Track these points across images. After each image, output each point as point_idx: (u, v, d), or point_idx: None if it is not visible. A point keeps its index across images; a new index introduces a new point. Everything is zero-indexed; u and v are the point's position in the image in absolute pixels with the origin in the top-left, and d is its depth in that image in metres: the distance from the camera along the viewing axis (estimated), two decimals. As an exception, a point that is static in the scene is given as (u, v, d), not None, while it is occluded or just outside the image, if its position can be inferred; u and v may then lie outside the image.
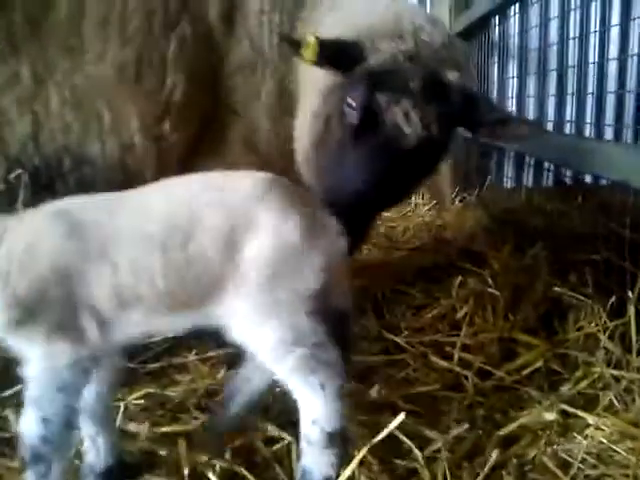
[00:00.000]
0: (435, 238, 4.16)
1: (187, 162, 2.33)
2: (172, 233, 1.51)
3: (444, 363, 2.42)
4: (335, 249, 1.61)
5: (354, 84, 2.05)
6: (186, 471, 1.75)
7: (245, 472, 1.78)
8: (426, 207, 4.99)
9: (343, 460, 1.62)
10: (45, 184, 2.18)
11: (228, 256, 1.51)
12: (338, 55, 2.07)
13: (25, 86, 2.12)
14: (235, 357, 2.42)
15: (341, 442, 1.61)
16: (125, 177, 2.25)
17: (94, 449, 1.76)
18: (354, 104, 2.02)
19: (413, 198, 5.10)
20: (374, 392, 1.98)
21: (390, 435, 1.89)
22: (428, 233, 4.31)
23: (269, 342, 1.56)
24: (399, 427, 1.91)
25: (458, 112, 2.07)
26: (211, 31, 2.29)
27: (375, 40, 2.08)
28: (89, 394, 1.68)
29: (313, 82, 2.23)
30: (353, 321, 1.89)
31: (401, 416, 1.71)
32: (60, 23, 2.15)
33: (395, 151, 2.02)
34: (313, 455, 1.61)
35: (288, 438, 1.89)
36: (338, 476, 1.61)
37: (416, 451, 1.86)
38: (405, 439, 1.90)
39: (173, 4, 2.25)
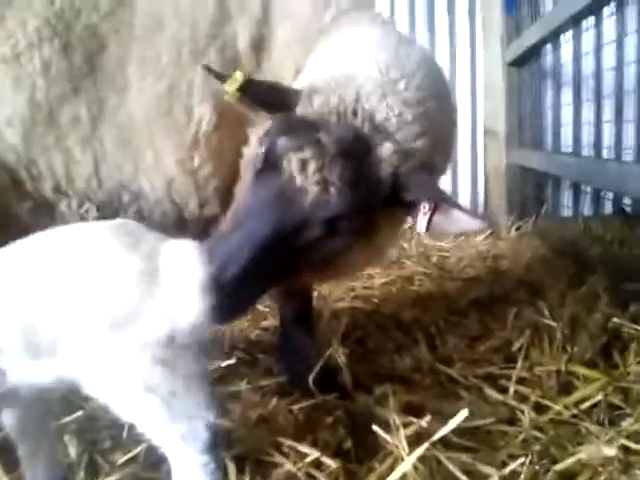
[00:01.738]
0: (490, 268, 4.11)
1: (228, 199, 2.30)
2: (18, 281, 1.54)
3: (499, 396, 2.38)
4: (175, 296, 1.49)
5: (269, 128, 1.94)
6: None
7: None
8: (481, 236, 4.95)
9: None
10: (111, 216, 2.26)
11: (66, 301, 1.50)
12: (264, 97, 1.98)
13: (84, 126, 2.21)
14: (286, 386, 2.48)
15: None
16: (175, 209, 2.33)
17: (31, 470, 1.81)
18: (260, 147, 1.92)
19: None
20: (424, 424, 1.96)
21: (445, 470, 1.91)
22: (483, 263, 4.27)
23: (115, 391, 1.51)
24: (454, 462, 1.93)
25: (377, 190, 1.84)
26: (239, 60, 2.27)
27: (315, 92, 1.94)
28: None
29: None
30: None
31: (464, 412, 1.71)
32: (111, 63, 2.23)
33: (290, 210, 1.80)
34: None
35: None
36: None
37: (471, 487, 1.84)
38: (460, 474, 1.88)
39: (202, 33, 2.26)
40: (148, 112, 2.23)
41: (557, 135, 5.24)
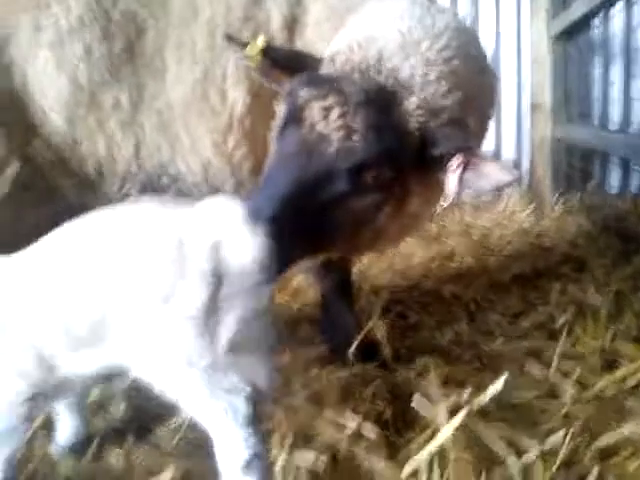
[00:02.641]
0: (533, 244, 4.06)
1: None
2: (58, 277, 1.61)
3: (541, 372, 2.36)
4: (205, 268, 1.52)
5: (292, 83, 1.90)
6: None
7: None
8: (524, 213, 4.87)
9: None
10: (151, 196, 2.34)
11: (104, 289, 1.57)
12: (285, 61, 1.96)
13: (125, 111, 2.26)
14: (328, 356, 2.50)
15: (261, 469, 1.56)
16: (212, 190, 2.37)
17: (63, 424, 1.98)
18: (283, 103, 1.90)
19: (510, 203, 4.99)
20: (465, 397, 1.97)
21: (484, 443, 1.92)
22: (526, 239, 4.20)
23: (159, 368, 1.56)
24: (493, 435, 1.93)
25: (404, 143, 1.80)
26: (273, 42, 2.24)
27: (337, 53, 1.92)
28: None
29: None
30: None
31: (503, 378, 1.75)
32: (149, 48, 2.27)
33: (315, 159, 1.76)
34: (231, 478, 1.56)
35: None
36: None
37: (511, 460, 1.84)
38: (500, 447, 1.89)
39: (235, 16, 2.29)
40: (184, 97, 2.27)
41: (605, 110, 5.09)
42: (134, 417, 2.22)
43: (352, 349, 2.39)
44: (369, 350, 2.45)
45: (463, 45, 2.01)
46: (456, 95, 1.89)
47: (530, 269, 3.46)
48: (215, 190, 2.37)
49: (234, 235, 1.55)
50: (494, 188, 1.84)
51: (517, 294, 3.15)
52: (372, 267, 3.61)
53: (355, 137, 1.75)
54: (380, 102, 1.80)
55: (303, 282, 3.32)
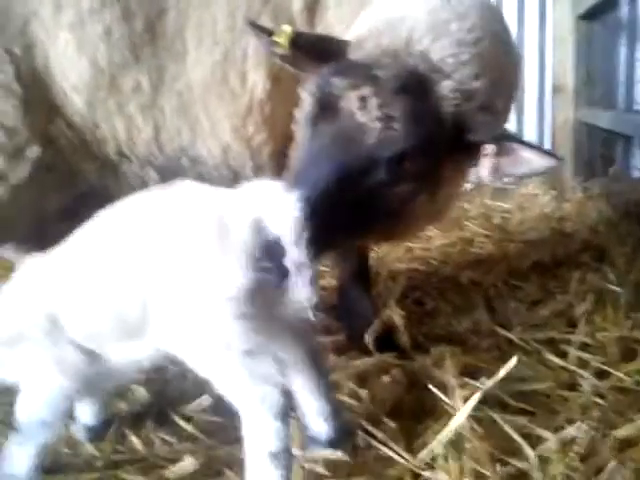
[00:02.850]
0: (554, 230, 4.02)
1: (283, 164, 2.34)
2: (102, 266, 1.66)
3: (559, 361, 2.36)
4: (248, 249, 1.54)
5: (321, 72, 1.88)
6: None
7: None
8: (545, 197, 4.81)
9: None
10: (170, 179, 2.34)
11: (143, 276, 1.60)
12: (313, 48, 1.92)
13: (145, 94, 2.25)
14: (345, 344, 2.51)
15: (287, 461, 1.56)
16: (232, 174, 2.37)
17: (81, 406, 2.02)
18: (311, 91, 1.87)
19: (530, 187, 4.94)
20: (482, 385, 1.97)
21: (501, 432, 1.92)
22: (547, 224, 4.16)
23: (196, 350, 1.58)
24: (511, 424, 1.94)
25: (440, 129, 1.78)
26: (293, 23, 2.24)
27: (365, 37, 1.89)
28: None
29: None
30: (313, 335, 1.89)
31: (513, 360, 1.78)
32: (170, 30, 2.24)
33: (354, 150, 1.73)
34: (254, 473, 1.57)
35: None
36: None
37: (528, 450, 1.85)
38: (517, 437, 1.90)
39: None
40: (204, 79, 2.25)
41: (630, 93, 4.99)
42: (153, 402, 2.25)
43: (369, 336, 2.40)
44: (386, 337, 2.46)
45: (490, 25, 1.98)
46: (486, 77, 1.86)
47: (550, 256, 3.43)
48: (235, 173, 2.37)
49: (276, 216, 1.56)
50: (532, 173, 1.81)
51: (536, 282, 3.13)
52: (390, 252, 3.61)
53: (395, 126, 1.72)
54: (415, 87, 1.77)
55: (320, 268, 3.33)
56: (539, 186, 4.94)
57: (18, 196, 2.17)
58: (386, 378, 2.26)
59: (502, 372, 1.93)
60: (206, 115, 2.29)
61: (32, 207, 2.24)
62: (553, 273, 3.20)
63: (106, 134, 2.28)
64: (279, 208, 1.56)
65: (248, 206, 1.60)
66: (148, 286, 1.60)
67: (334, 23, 2.26)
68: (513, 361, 1.90)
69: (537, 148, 1.83)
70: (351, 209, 1.76)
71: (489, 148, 1.79)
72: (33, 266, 1.79)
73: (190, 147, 2.33)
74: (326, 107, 1.81)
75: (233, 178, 2.37)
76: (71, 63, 2.18)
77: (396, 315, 2.56)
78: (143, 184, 2.32)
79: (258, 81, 2.25)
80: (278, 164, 2.34)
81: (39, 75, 2.18)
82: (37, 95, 2.18)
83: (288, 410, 1.58)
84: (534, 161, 1.76)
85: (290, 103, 2.16)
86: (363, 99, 1.74)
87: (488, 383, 1.94)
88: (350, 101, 1.76)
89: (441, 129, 1.80)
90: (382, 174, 1.75)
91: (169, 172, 2.34)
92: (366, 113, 1.73)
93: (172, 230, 1.60)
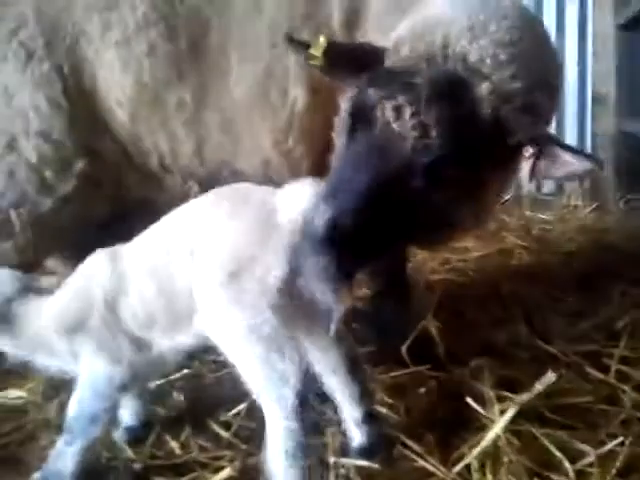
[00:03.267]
0: (595, 243, 3.94)
1: (322, 173, 2.37)
2: (154, 258, 1.78)
3: (600, 375, 2.31)
4: (289, 242, 1.63)
5: (364, 86, 1.86)
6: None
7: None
8: (587, 209, 4.73)
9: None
10: (212, 191, 2.39)
11: (192, 265, 1.70)
12: (348, 58, 1.91)
13: (188, 110, 2.30)
14: (378, 356, 2.51)
15: (302, 459, 1.60)
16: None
17: (125, 407, 2.09)
18: (347, 102, 1.88)
19: (572, 199, 4.86)
20: (520, 400, 1.95)
21: (539, 446, 1.90)
22: (588, 237, 4.09)
23: (233, 334, 1.65)
24: (549, 438, 1.91)
25: (481, 132, 1.74)
26: (333, 37, 2.23)
27: (401, 42, 1.88)
28: None
29: None
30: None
31: (550, 376, 1.78)
32: (213, 47, 2.29)
33: (391, 159, 1.72)
34: (274, 464, 1.62)
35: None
36: None
37: (566, 464, 1.82)
38: (555, 451, 1.87)
39: (298, 13, 2.28)
40: (247, 95, 2.29)
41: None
42: (191, 408, 2.29)
43: (405, 347, 2.39)
44: (422, 349, 2.44)
45: (529, 26, 1.94)
46: (526, 78, 1.82)
47: (591, 268, 3.37)
48: (274, 186, 2.40)
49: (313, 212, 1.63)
50: (572, 177, 1.79)
51: (577, 294, 3.08)
52: (427, 263, 3.59)
53: (431, 133, 1.70)
54: (452, 91, 1.75)
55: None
56: (580, 198, 4.86)
57: (65, 207, 2.24)
58: (422, 390, 2.25)
59: (539, 387, 1.90)
60: (248, 130, 2.33)
61: (78, 218, 2.31)
62: (594, 285, 3.14)
63: (149, 147, 2.34)
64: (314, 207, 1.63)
65: (291, 204, 1.69)
66: (195, 277, 1.70)
67: (376, 34, 2.25)
68: (550, 376, 1.87)
69: (577, 151, 1.79)
70: (391, 218, 1.75)
71: (530, 150, 1.77)
72: (97, 258, 1.89)
73: (231, 161, 2.37)
74: (362, 118, 1.81)
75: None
76: (116, 79, 2.25)
77: (432, 326, 2.55)
78: (185, 197, 2.36)
79: (298, 95, 2.28)
80: (317, 175, 2.36)
81: (85, 91, 2.25)
82: (83, 110, 2.26)
83: (305, 409, 1.62)
84: (574, 164, 1.73)
85: (329, 114, 2.19)
86: (398, 108, 1.73)
87: (524, 397, 1.92)
88: (385, 111, 1.75)
89: (480, 133, 1.76)
90: (420, 183, 1.74)
91: (211, 185, 2.38)
92: (402, 122, 1.72)
93: (220, 224, 1.70)
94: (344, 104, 2.01)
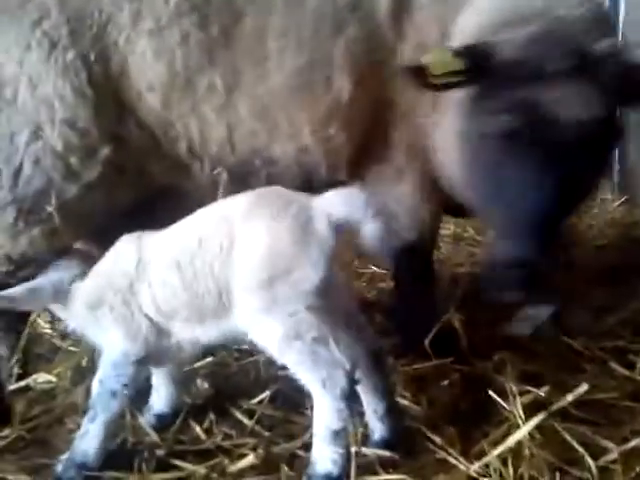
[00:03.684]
0: (624, 236, 3.88)
1: (357, 164, 2.41)
2: (183, 253, 1.83)
3: (625, 371, 2.29)
4: (326, 249, 1.72)
5: (491, 89, 1.94)
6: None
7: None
8: (616, 203, 4.65)
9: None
10: (241, 180, 2.36)
11: (227, 265, 1.76)
12: (470, 62, 1.94)
13: (219, 95, 2.29)
14: (400, 348, 2.51)
15: (345, 441, 1.68)
16: (303, 174, 2.41)
17: (158, 394, 2.18)
18: (499, 109, 1.92)
19: (600, 191, 4.78)
20: (542, 393, 1.94)
21: (562, 441, 1.89)
22: (616, 230, 4.02)
23: (272, 336, 1.72)
24: (572, 433, 1.90)
25: (616, 85, 1.84)
26: (379, 29, 2.29)
27: (498, 31, 1.94)
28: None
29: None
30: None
31: (584, 386, 1.77)
32: (248, 34, 2.28)
33: (560, 145, 1.83)
34: (318, 449, 1.71)
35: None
36: (340, 476, 1.68)
37: (589, 460, 1.81)
38: (578, 446, 1.86)
39: (343, 4, 2.28)
40: (287, 84, 2.29)
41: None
42: (215, 396, 2.32)
43: (428, 340, 2.39)
44: (445, 342, 2.44)
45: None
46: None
47: (618, 262, 3.32)
48: (307, 173, 2.41)
49: (358, 221, 1.74)
50: None
51: (604, 288, 3.04)
52: (452, 256, 3.58)
53: (590, 107, 1.81)
54: (583, 62, 1.84)
55: (378, 268, 3.35)
56: (609, 190, 4.78)
57: (90, 194, 2.26)
58: (445, 382, 2.26)
59: (570, 397, 1.90)
60: (286, 118, 2.33)
61: (103, 205, 2.33)
62: (622, 280, 3.10)
63: (179, 133, 2.34)
64: (359, 216, 1.74)
65: (328, 211, 1.75)
66: (232, 278, 1.76)
67: (429, 24, 2.28)
68: (584, 387, 1.86)
69: None
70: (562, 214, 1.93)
71: None
72: (125, 245, 1.98)
73: (264, 148, 2.37)
74: (522, 120, 1.86)
75: (305, 178, 2.41)
76: (148, 66, 2.25)
77: (456, 320, 2.54)
78: (213, 184, 2.38)
79: (343, 85, 2.29)
80: (353, 164, 2.41)
81: (112, 77, 2.25)
82: (108, 97, 2.26)
83: (352, 394, 1.71)
84: None
85: (369, 105, 2.27)
86: (556, 99, 1.81)
87: (555, 405, 1.90)
88: (547, 104, 1.83)
89: (612, 93, 1.86)
90: (581, 159, 1.85)
91: (240, 172, 2.39)
92: (566, 108, 1.81)
93: (260, 228, 1.75)
94: (453, 109, 2.09)
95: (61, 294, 1.99)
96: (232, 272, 1.76)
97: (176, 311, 1.87)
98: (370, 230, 1.73)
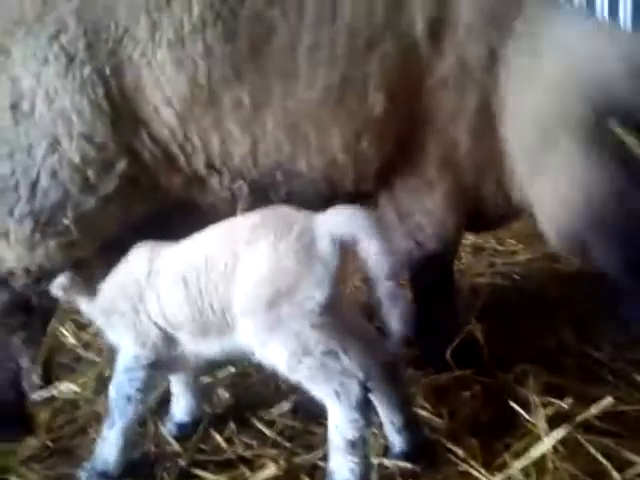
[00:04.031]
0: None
1: (386, 176, 2.42)
2: (190, 270, 1.85)
3: (651, 384, 2.27)
4: (330, 268, 1.72)
5: None
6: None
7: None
8: None
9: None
10: (261, 194, 2.38)
11: (232, 284, 1.78)
12: None
13: (245, 110, 2.28)
14: (420, 359, 2.50)
15: (363, 450, 1.67)
16: (329, 188, 2.41)
17: (178, 403, 2.20)
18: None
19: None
20: (565, 405, 1.92)
21: (586, 454, 1.86)
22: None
23: (280, 356, 1.73)
24: (596, 446, 1.88)
25: None
26: (415, 46, 2.30)
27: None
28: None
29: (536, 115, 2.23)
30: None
31: (608, 399, 1.77)
32: (279, 50, 2.27)
33: None
34: (335, 459, 1.69)
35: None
36: None
37: (614, 473, 1.79)
38: (602, 459, 1.84)
39: (378, 21, 2.29)
40: (318, 99, 2.28)
41: None
42: (236, 406, 2.33)
43: (449, 351, 2.38)
44: (466, 353, 2.43)
45: None
46: None
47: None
48: (332, 186, 2.41)
49: (365, 240, 1.72)
50: None
51: (627, 299, 3.00)
52: (472, 266, 3.56)
53: None
54: None
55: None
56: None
57: (106, 207, 2.28)
58: (466, 394, 2.24)
59: (594, 409, 1.89)
60: (316, 132, 2.33)
61: (119, 218, 2.35)
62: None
63: (197, 147, 2.34)
64: (374, 241, 1.72)
65: (333, 230, 1.76)
66: (236, 299, 1.77)
67: (467, 43, 2.30)
68: (608, 399, 1.86)
69: None
70: None
71: None
72: (139, 254, 2.02)
73: (288, 162, 2.37)
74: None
75: (329, 192, 2.41)
76: (167, 79, 2.24)
77: (477, 330, 2.53)
78: (232, 197, 2.38)
79: (378, 101, 2.29)
80: (381, 177, 2.43)
81: (127, 91, 2.25)
82: (124, 111, 2.27)
83: (368, 404, 1.71)
84: None
85: (405, 121, 2.30)
86: None
87: (578, 417, 1.90)
88: None
89: None
90: None
91: (260, 186, 2.39)
92: None
93: (262, 247, 1.76)
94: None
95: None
96: (235, 292, 1.78)
97: (181, 324, 1.90)
98: (373, 247, 1.72)
